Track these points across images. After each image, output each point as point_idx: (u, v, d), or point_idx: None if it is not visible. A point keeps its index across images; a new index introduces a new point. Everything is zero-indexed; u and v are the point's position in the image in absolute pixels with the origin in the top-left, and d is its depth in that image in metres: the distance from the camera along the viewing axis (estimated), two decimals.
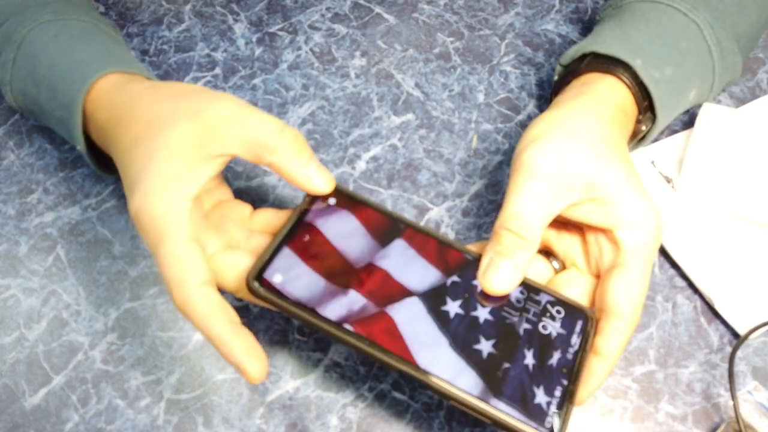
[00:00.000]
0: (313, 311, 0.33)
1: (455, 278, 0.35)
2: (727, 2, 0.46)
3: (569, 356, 0.33)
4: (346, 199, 0.37)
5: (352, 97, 0.54)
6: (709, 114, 0.48)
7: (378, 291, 0.34)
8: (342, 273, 0.34)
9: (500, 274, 0.34)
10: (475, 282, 0.35)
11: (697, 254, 0.45)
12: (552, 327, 0.34)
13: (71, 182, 0.50)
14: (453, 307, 0.34)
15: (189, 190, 0.34)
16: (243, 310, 0.44)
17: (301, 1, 0.59)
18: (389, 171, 0.50)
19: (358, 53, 0.56)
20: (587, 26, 0.58)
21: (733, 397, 0.37)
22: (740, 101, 0.53)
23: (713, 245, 0.45)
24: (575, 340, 0.33)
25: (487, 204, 0.48)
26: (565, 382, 0.32)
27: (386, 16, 0.58)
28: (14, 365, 0.42)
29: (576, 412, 0.40)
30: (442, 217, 0.48)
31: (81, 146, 0.42)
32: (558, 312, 0.34)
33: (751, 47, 0.50)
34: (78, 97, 0.40)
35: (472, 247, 0.37)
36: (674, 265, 0.45)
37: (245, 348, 0.32)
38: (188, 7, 0.59)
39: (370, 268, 0.34)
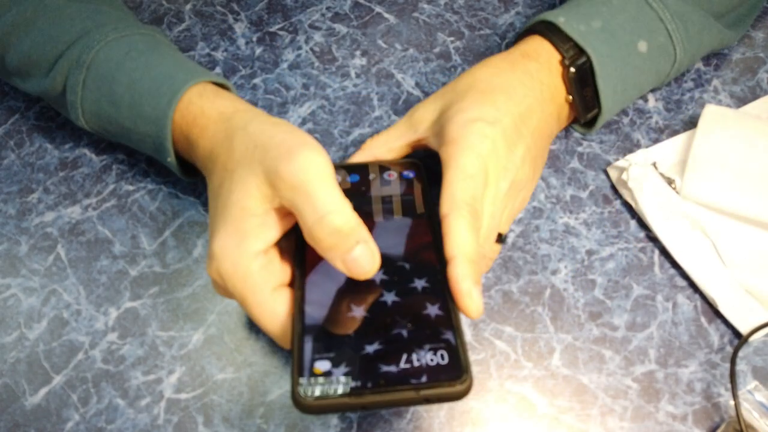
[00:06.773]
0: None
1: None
2: None
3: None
4: None
5: (352, 97, 0.54)
6: (711, 115, 0.48)
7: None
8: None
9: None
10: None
11: (700, 255, 0.45)
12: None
13: (71, 182, 0.50)
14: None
15: (259, 246, 0.33)
16: (243, 313, 0.44)
17: (302, 0, 0.59)
18: None
19: (358, 53, 0.56)
20: None
21: (735, 396, 0.37)
22: (741, 101, 0.53)
23: (716, 247, 0.45)
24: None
25: None
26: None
27: (386, 15, 0.58)
28: (14, 365, 0.42)
29: (576, 411, 0.40)
30: None
31: (171, 158, 0.42)
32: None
33: (742, 21, 0.52)
34: (168, 110, 0.40)
35: None
36: (675, 265, 0.45)
37: None
38: (188, 6, 0.59)
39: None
